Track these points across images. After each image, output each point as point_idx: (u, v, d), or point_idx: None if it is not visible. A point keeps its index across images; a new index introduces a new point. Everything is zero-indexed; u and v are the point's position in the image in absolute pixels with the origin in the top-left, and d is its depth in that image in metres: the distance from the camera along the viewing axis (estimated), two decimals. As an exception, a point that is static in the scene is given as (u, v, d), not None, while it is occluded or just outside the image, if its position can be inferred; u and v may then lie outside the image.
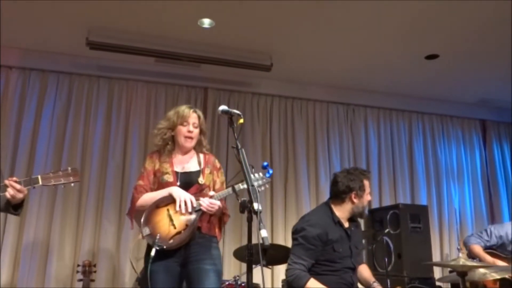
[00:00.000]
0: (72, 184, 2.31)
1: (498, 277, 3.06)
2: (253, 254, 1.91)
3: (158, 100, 4.60)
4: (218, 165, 2.63)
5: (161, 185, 2.46)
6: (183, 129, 2.52)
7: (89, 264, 3.46)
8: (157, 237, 2.27)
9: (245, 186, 2.33)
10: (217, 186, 2.55)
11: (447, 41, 4.11)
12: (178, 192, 2.37)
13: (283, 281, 3.84)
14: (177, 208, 2.33)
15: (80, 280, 3.40)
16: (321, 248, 2.73)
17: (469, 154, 5.56)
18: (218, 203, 2.37)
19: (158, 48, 4.11)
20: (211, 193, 2.41)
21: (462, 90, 5.22)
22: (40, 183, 2.20)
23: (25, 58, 4.26)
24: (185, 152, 2.57)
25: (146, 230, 2.32)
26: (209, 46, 4.16)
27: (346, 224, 2.87)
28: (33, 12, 3.65)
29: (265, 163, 2.43)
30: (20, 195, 2.13)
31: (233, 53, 4.25)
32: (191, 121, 2.53)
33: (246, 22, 3.83)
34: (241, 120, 2.13)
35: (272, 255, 3.42)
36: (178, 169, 2.51)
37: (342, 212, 2.85)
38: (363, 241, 3.23)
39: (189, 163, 2.56)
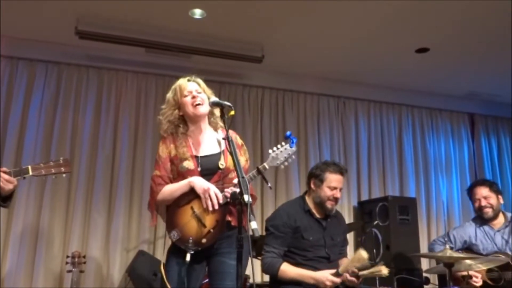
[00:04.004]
0: (64, 175, 2.27)
1: (484, 268, 3.11)
2: (243, 245, 1.91)
3: (148, 91, 4.56)
4: (240, 141, 2.43)
5: (181, 173, 2.27)
6: (187, 100, 2.34)
7: (79, 255, 3.44)
8: (190, 240, 2.13)
9: (272, 165, 2.31)
10: (242, 164, 2.30)
11: (437, 35, 4.14)
12: (200, 187, 2.18)
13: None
14: (204, 206, 2.16)
15: (70, 271, 3.39)
16: (291, 235, 2.79)
17: (457, 147, 5.62)
18: None
19: (149, 38, 4.07)
20: (235, 180, 2.16)
21: (451, 83, 5.26)
22: (30, 173, 2.15)
23: (12, 47, 4.18)
24: (200, 127, 2.37)
25: (175, 235, 2.18)
26: (200, 37, 4.13)
27: (319, 215, 2.91)
28: (22, 0, 3.58)
29: (288, 132, 2.31)
30: (9, 186, 2.07)
31: (224, 44, 4.23)
32: (192, 89, 2.37)
33: (238, 13, 3.80)
34: (232, 112, 2.11)
35: (262, 246, 3.43)
36: (197, 152, 2.31)
37: (310, 201, 2.93)
38: (346, 234, 3.21)
39: (208, 143, 2.36)
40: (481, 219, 3.64)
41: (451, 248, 3.57)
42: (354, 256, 2.64)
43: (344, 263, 2.87)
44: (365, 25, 3.98)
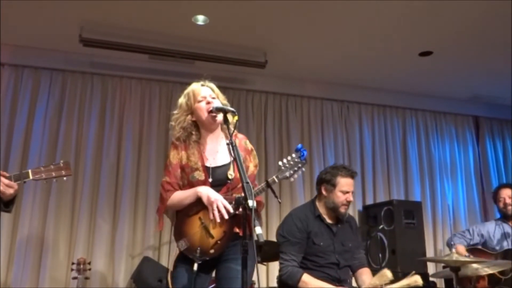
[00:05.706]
0: (65, 178, 2.23)
1: (491, 271, 3.09)
2: (248, 251, 1.90)
3: (152, 97, 4.58)
4: (249, 147, 2.39)
5: (191, 183, 2.25)
6: (201, 105, 2.28)
7: (84, 262, 3.44)
8: (197, 250, 2.14)
9: (281, 177, 2.30)
10: (250, 170, 2.33)
11: (440, 38, 4.13)
12: (208, 197, 2.15)
13: (278, 277, 3.85)
14: (211, 218, 2.14)
15: (75, 278, 3.39)
16: (306, 240, 2.76)
17: (462, 150, 5.59)
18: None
19: (152, 45, 4.09)
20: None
21: (455, 86, 5.24)
22: (31, 177, 2.14)
23: (17, 55, 4.22)
24: (213, 134, 2.33)
25: (183, 244, 2.18)
26: (204, 43, 4.15)
27: (329, 220, 2.88)
28: (25, 8, 3.62)
29: (299, 145, 2.30)
30: (10, 191, 2.06)
31: (227, 50, 4.25)
32: (206, 94, 2.31)
33: (241, 18, 3.82)
34: (236, 117, 2.12)
35: (267, 251, 3.42)
36: (208, 162, 2.28)
37: (321, 207, 2.90)
38: (359, 237, 3.15)
39: (220, 152, 2.32)
40: (503, 218, 4.01)
41: (470, 240, 3.92)
42: (378, 274, 2.62)
43: (364, 277, 2.83)
44: (368, 29, 3.98)
